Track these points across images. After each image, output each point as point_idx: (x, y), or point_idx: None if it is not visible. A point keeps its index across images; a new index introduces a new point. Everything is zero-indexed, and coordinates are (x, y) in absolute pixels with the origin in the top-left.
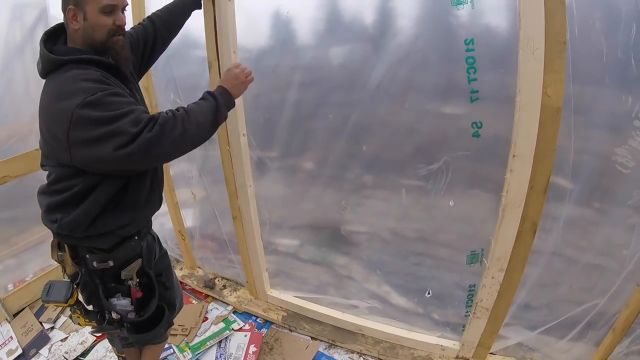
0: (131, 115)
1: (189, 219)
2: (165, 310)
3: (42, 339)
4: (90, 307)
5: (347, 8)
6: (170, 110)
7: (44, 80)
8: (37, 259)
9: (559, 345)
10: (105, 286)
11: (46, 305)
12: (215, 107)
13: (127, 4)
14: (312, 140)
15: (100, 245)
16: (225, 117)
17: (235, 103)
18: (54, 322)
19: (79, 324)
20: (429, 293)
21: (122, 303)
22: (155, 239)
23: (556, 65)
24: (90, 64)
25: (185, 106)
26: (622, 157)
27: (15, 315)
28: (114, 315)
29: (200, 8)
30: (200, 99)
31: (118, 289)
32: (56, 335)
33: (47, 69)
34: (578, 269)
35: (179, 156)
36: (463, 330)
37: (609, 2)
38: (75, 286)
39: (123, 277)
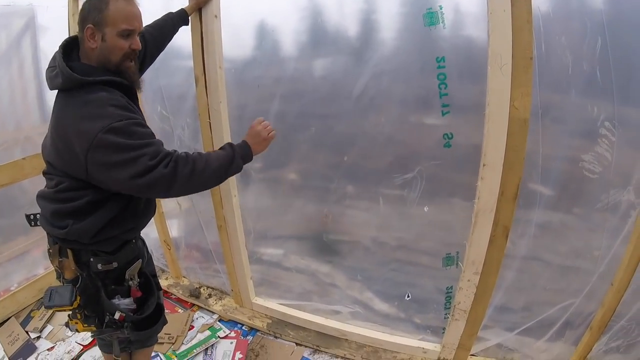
0: (150, 148)
1: (174, 229)
2: (163, 307)
3: (28, 349)
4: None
5: (329, 20)
6: (186, 152)
7: (32, 88)
8: (22, 269)
9: (537, 345)
10: (105, 288)
11: (49, 310)
12: (232, 156)
13: (143, 31)
14: (295, 151)
15: (104, 248)
16: (240, 169)
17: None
18: (40, 331)
19: (76, 330)
20: (408, 296)
21: (125, 302)
22: (144, 242)
23: (523, 80)
24: (113, 86)
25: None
26: (589, 163)
27: (1, 324)
28: (116, 315)
29: (187, 24)
30: (220, 148)
31: (117, 291)
32: (43, 344)
33: (68, 86)
34: (552, 271)
35: (186, 194)
36: (443, 332)
37: (574, 18)
38: (76, 290)
39: (127, 277)
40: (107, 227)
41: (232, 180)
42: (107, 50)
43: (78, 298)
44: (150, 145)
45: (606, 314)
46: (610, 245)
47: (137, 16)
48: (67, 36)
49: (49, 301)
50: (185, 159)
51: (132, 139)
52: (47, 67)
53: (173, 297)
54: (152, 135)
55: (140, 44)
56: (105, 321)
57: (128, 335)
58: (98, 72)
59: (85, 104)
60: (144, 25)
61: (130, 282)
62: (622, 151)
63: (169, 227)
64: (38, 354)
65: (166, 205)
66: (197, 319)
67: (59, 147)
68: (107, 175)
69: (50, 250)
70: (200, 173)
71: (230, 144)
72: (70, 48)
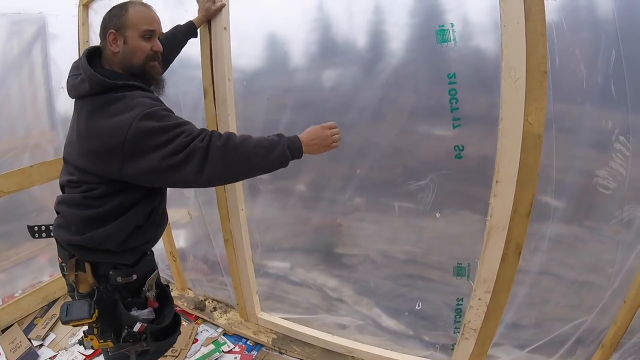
0: (185, 126)
1: (181, 239)
2: (180, 316)
3: (30, 356)
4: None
5: (339, 31)
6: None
7: (42, 95)
8: (27, 275)
9: None
10: (123, 301)
11: (66, 325)
12: (276, 142)
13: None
14: (304, 162)
15: (125, 260)
16: (286, 160)
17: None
18: (43, 339)
19: (92, 347)
20: (419, 305)
21: (144, 313)
22: (153, 254)
23: (537, 94)
24: (138, 90)
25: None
26: (603, 179)
27: (3, 331)
28: (136, 327)
29: (196, 37)
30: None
31: (134, 303)
32: (45, 352)
33: (96, 90)
34: (565, 287)
35: (220, 178)
36: (452, 349)
37: (588, 30)
38: (93, 303)
39: (146, 288)
40: (132, 235)
41: (240, 194)
42: (130, 53)
43: (96, 311)
44: (185, 124)
45: (619, 331)
46: (624, 261)
47: (156, 19)
48: (76, 45)
49: (66, 316)
50: (219, 133)
51: (166, 121)
52: (68, 76)
53: (177, 309)
54: (183, 119)
55: (161, 46)
56: (123, 335)
57: (147, 347)
58: (125, 77)
59: (116, 101)
60: None
61: (148, 293)
62: (637, 166)
63: (175, 237)
64: None
65: (174, 215)
66: (201, 332)
67: (91, 150)
68: (143, 163)
69: (64, 265)
70: (234, 148)
71: (279, 134)
72: (92, 57)
